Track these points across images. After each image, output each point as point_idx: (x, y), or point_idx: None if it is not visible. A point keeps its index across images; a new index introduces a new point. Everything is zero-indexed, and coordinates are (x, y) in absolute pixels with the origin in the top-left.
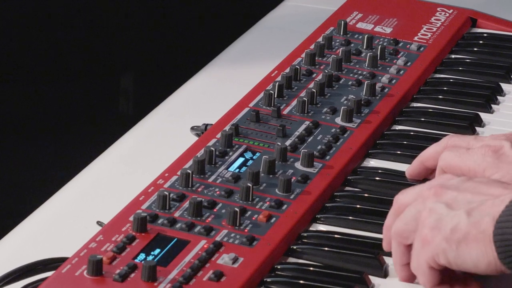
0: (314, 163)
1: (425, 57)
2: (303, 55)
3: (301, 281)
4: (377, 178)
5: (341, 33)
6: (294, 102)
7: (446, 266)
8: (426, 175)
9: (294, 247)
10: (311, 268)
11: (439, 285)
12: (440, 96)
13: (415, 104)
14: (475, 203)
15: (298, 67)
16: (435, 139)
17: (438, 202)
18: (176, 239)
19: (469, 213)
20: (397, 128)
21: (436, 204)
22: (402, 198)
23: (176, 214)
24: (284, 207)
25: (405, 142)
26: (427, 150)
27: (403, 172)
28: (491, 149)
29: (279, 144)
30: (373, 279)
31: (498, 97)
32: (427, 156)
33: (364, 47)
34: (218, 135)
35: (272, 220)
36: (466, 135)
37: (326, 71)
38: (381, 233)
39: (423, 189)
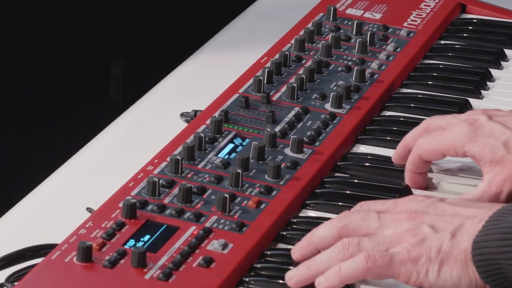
0: (304, 149)
1: (415, 43)
2: (292, 41)
3: (291, 267)
4: (366, 164)
5: (331, 19)
6: (284, 88)
7: (421, 286)
8: None
9: (284, 233)
10: None
11: None
12: (430, 82)
13: (404, 90)
14: (456, 223)
15: (288, 53)
16: None
17: (420, 224)
18: (165, 225)
19: (453, 235)
20: (386, 114)
21: (417, 225)
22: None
23: (166, 201)
24: (274, 193)
25: (394, 128)
26: (409, 134)
27: None
28: (467, 123)
29: (269, 130)
30: None
31: (488, 82)
32: (409, 139)
33: (354, 33)
34: (208, 121)
35: (262, 206)
36: (446, 114)
37: (316, 57)
38: None
39: (399, 215)
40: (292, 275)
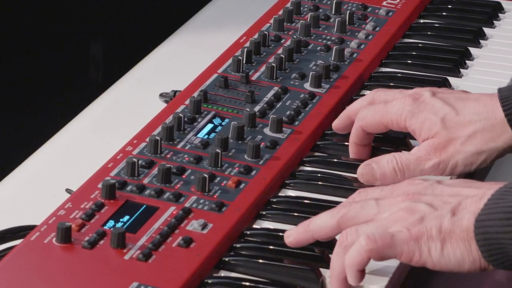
0: (283, 128)
1: (394, 22)
2: (271, 21)
3: (271, 247)
4: (346, 143)
5: None
6: (263, 68)
7: (422, 265)
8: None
9: (264, 213)
10: (281, 234)
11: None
12: (409, 61)
13: (383, 69)
14: (455, 202)
15: (267, 33)
16: None
17: (417, 202)
18: (145, 205)
19: (454, 213)
20: (365, 93)
21: (414, 203)
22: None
23: (145, 181)
24: (253, 172)
25: None
26: (353, 104)
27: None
28: (411, 98)
29: (248, 110)
30: None
31: (467, 61)
32: (353, 110)
33: (333, 13)
34: (187, 102)
35: (241, 186)
36: (393, 89)
37: (295, 36)
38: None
39: (396, 198)
40: (291, 233)
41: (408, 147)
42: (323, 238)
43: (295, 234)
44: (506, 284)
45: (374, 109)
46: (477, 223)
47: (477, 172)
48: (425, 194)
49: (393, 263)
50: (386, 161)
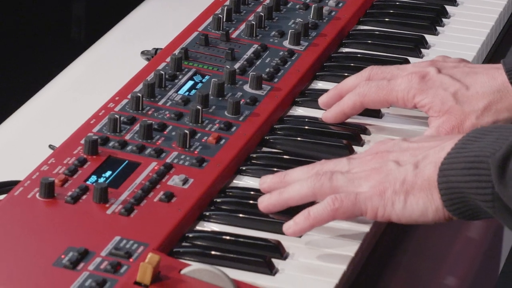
0: (263, 85)
1: None
2: None
3: (251, 201)
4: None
5: None
6: (243, 26)
7: (388, 220)
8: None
9: (244, 168)
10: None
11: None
12: (386, 19)
13: (361, 27)
14: (419, 156)
15: None
16: (381, 61)
17: (386, 161)
18: (127, 161)
19: (416, 165)
20: (344, 51)
21: (383, 163)
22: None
23: (127, 137)
24: (233, 129)
25: (352, 64)
26: (347, 81)
27: None
28: (417, 75)
29: (228, 67)
30: None
31: (443, 19)
32: (348, 87)
33: None
34: (168, 59)
35: (222, 142)
36: (387, 66)
37: None
38: (329, 155)
39: (366, 157)
40: (263, 200)
41: (359, 142)
42: (299, 203)
43: (269, 202)
44: (478, 241)
45: (377, 85)
46: (440, 172)
47: None
48: (393, 151)
49: (365, 228)
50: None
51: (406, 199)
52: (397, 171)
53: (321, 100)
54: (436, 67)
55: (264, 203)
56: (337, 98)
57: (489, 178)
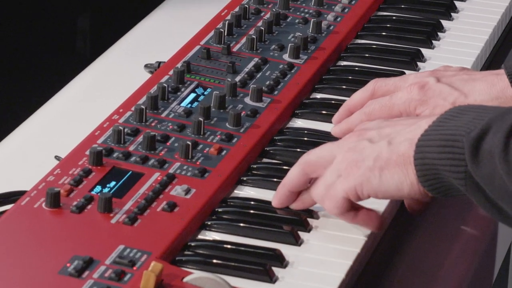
0: (263, 97)
1: None
2: None
3: (251, 211)
4: (323, 112)
5: None
6: (244, 40)
7: (368, 196)
8: None
9: (244, 178)
10: (263, 202)
11: (346, 212)
12: (383, 33)
13: (359, 41)
14: (394, 133)
15: (247, 6)
16: (378, 74)
17: (360, 140)
18: (130, 171)
19: (390, 142)
20: (342, 64)
21: (358, 142)
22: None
23: (131, 148)
24: (234, 140)
25: (349, 77)
26: (354, 97)
27: None
28: (416, 86)
29: (229, 80)
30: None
31: (439, 33)
32: (355, 103)
33: None
34: (171, 72)
35: (223, 153)
36: (392, 77)
37: (274, 9)
38: None
39: (347, 137)
40: (273, 198)
41: None
42: (296, 187)
43: (276, 195)
44: (481, 237)
45: (380, 104)
46: (417, 149)
47: None
48: (371, 129)
49: (364, 236)
50: None
51: (381, 175)
52: (371, 149)
53: (334, 119)
54: (435, 76)
55: (273, 200)
56: (347, 114)
57: (462, 156)
